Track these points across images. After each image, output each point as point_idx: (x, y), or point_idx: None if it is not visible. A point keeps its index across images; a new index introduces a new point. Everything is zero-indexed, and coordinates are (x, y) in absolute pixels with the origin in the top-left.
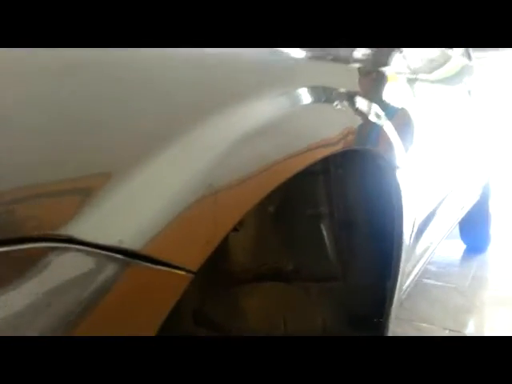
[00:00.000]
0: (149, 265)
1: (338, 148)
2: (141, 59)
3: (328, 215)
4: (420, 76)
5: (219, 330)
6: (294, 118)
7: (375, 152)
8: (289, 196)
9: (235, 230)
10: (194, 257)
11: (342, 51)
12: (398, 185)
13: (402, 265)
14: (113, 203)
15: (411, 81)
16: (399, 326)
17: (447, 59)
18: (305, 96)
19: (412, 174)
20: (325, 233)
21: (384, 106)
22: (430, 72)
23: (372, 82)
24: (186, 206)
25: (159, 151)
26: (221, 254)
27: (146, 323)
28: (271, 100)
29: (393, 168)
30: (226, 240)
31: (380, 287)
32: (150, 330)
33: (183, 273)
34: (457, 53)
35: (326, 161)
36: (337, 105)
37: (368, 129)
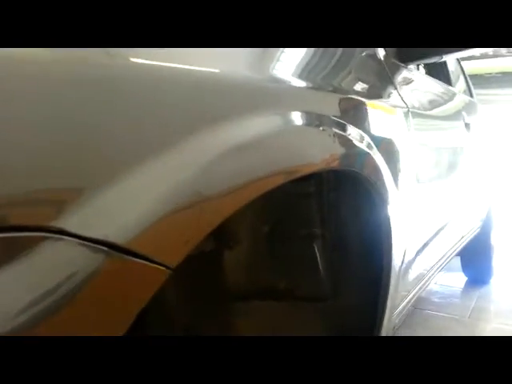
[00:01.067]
0: (130, 258)
1: (322, 167)
2: (138, 70)
3: (320, 236)
4: (416, 110)
5: None
6: (279, 137)
7: (362, 176)
8: (283, 217)
9: (230, 247)
10: (173, 254)
11: (344, 84)
12: (386, 211)
13: (391, 288)
14: (102, 202)
15: (406, 114)
16: None
17: (448, 95)
18: (294, 119)
19: (404, 203)
20: (317, 253)
21: (374, 136)
22: (428, 106)
23: (364, 113)
24: (170, 208)
25: (149, 158)
26: (215, 270)
27: (124, 310)
28: (261, 119)
29: (381, 195)
30: (220, 257)
31: (369, 309)
32: (128, 318)
33: (162, 268)
34: (459, 89)
35: (319, 183)
36: (324, 130)
37: (355, 154)
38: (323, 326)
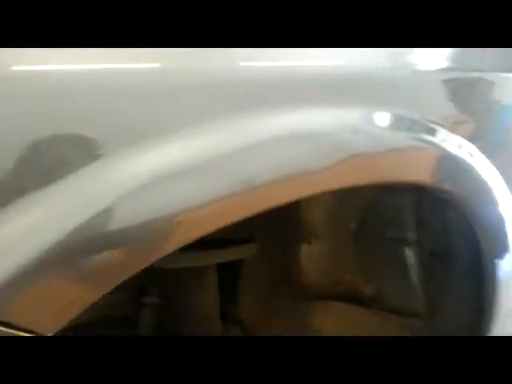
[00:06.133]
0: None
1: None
2: None
3: (415, 242)
4: None
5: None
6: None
7: (457, 197)
8: (372, 214)
9: (308, 241)
10: (48, 322)
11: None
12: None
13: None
14: None
15: None
16: None
17: None
18: None
19: None
20: (410, 261)
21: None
22: None
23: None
24: (41, 274)
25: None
26: (292, 265)
27: None
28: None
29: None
30: (297, 252)
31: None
32: None
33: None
34: None
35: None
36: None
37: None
38: None
